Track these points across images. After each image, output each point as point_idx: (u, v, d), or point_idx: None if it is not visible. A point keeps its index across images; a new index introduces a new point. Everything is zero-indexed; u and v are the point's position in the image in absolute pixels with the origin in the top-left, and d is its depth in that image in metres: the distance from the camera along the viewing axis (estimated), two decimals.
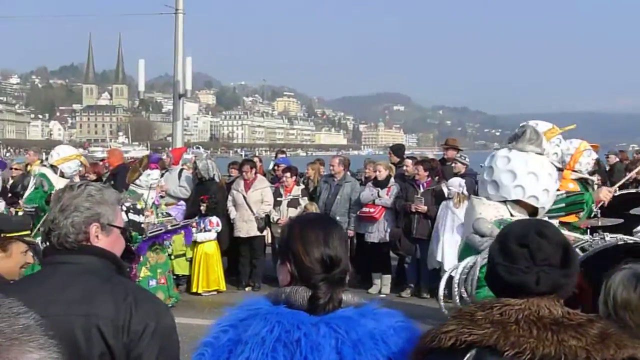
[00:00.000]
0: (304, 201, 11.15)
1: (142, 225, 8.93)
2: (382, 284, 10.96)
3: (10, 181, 12.31)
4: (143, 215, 8.91)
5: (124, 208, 8.18)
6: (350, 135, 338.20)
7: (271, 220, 11.28)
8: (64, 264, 2.56)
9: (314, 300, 2.21)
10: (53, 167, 9.15)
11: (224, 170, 13.10)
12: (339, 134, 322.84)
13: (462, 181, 10.21)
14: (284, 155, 15.19)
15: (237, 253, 11.46)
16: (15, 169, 13.11)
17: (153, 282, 9.56)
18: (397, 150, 12.67)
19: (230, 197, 11.28)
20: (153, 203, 9.77)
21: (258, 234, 11.18)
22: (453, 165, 10.88)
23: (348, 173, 11.65)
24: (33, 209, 8.91)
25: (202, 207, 10.72)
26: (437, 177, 10.73)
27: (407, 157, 12.00)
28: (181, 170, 11.88)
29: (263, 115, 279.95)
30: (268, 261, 11.97)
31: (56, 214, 2.59)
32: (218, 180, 11.50)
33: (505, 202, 4.12)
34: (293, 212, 10.96)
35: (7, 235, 3.33)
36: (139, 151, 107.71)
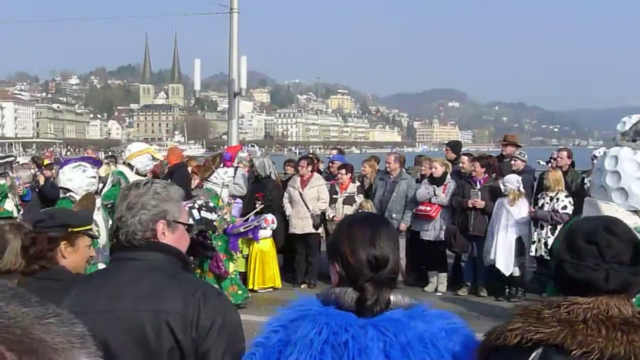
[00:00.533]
0: (359, 198, 11.10)
1: (214, 223, 8.97)
2: (438, 282, 10.85)
3: None
4: (215, 212, 8.92)
5: (197, 205, 8.23)
6: (404, 132, 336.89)
7: (327, 218, 11.26)
8: (131, 261, 2.59)
9: (361, 302, 2.17)
10: (130, 165, 9.24)
11: (280, 167, 13.15)
12: (393, 131, 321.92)
13: (519, 178, 10.04)
14: (335, 153, 15.13)
15: (292, 250, 11.48)
16: None
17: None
18: (454, 146, 12.53)
19: (286, 194, 11.32)
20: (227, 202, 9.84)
21: (313, 231, 11.18)
22: (512, 162, 10.70)
23: (404, 170, 11.54)
24: (110, 205, 9.11)
25: (257, 205, 10.77)
26: (494, 174, 10.57)
27: (463, 154, 11.84)
28: (237, 168, 11.96)
29: (317, 113, 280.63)
30: (323, 259, 11.95)
31: (123, 211, 2.62)
32: (274, 178, 11.54)
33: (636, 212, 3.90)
34: (349, 210, 10.94)
35: (74, 230, 3.38)
36: (194, 149, 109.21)
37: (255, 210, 10.55)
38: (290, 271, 11.61)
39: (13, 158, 11.66)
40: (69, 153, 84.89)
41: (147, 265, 2.57)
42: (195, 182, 11.15)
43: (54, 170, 12.32)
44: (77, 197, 6.35)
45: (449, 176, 10.76)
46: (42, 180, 12.01)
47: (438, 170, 10.72)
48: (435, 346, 2.10)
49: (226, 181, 9.70)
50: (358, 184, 11.55)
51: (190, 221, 8.03)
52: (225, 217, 9.53)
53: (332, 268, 2.32)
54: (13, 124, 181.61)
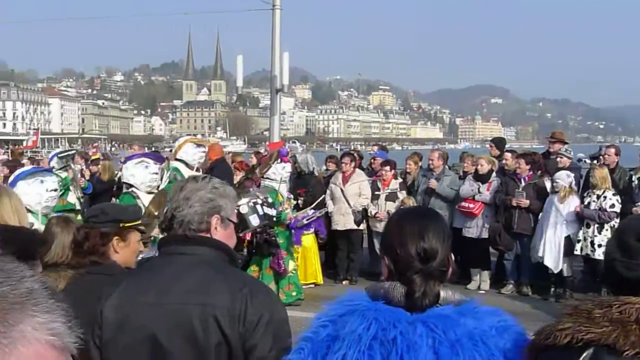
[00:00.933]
0: (402, 195, 11.05)
1: (274, 219, 8.95)
2: (481, 279, 10.75)
3: (118, 175, 12.76)
4: (274, 208, 8.87)
5: (259, 201, 8.22)
6: (446, 128, 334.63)
7: (369, 214, 11.23)
8: (180, 255, 2.61)
9: (409, 295, 2.16)
10: (181, 160, 9.19)
11: (321, 164, 13.15)
12: (434, 127, 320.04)
13: (571, 175, 9.87)
14: (376, 149, 15.07)
15: (334, 246, 11.47)
16: (122, 162, 13.57)
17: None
18: (499, 143, 12.40)
19: (328, 191, 11.30)
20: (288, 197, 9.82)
21: (355, 227, 11.16)
22: (558, 159, 10.52)
23: (447, 167, 11.45)
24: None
25: (299, 201, 10.78)
26: (539, 172, 10.41)
27: (507, 151, 11.71)
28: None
29: (358, 110, 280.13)
30: (365, 255, 11.96)
31: (180, 201, 2.65)
32: (316, 174, 11.55)
33: None
34: (391, 206, 10.91)
35: (126, 225, 3.43)
36: (236, 145, 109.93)
37: (315, 204, 10.55)
38: (332, 267, 11.61)
39: (74, 152, 11.88)
40: (113, 149, 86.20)
41: (195, 260, 2.59)
42: (237, 177, 11.21)
43: (99, 166, 12.50)
44: (140, 193, 6.41)
45: (494, 173, 10.64)
46: (87, 176, 12.19)
47: (484, 167, 10.61)
48: (486, 344, 2.07)
49: (284, 177, 9.66)
50: (400, 180, 11.49)
51: (255, 217, 7.99)
52: (286, 212, 9.49)
53: (382, 262, 2.32)
54: (59, 120, 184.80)
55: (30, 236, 2.83)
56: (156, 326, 2.48)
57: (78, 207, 9.68)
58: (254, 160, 12.71)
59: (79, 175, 11.21)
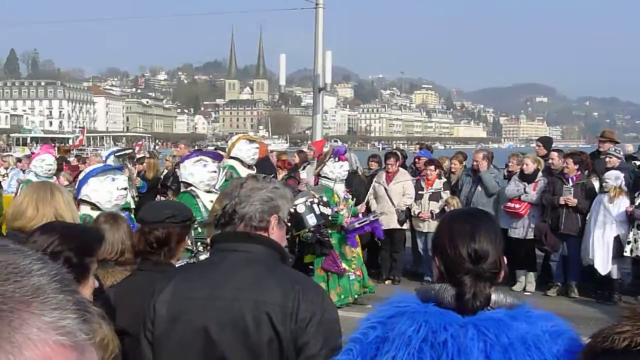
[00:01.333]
0: (445, 195, 10.95)
1: (330, 219, 8.81)
2: (527, 281, 10.60)
3: (164, 172, 12.90)
4: (330, 207, 8.74)
5: (315, 201, 8.15)
6: (489, 127, 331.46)
7: (412, 214, 11.15)
8: (234, 252, 2.64)
9: (459, 297, 2.13)
10: (236, 158, 9.15)
11: (364, 163, 13.10)
12: (478, 126, 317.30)
13: (621, 175, 9.66)
14: (418, 148, 14.97)
15: (377, 246, 11.42)
16: (167, 160, 13.73)
17: (352, 276, 9.55)
18: (546, 142, 12.20)
19: (371, 190, 11.26)
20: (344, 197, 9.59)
21: (398, 227, 11.10)
22: (607, 159, 10.31)
23: (492, 167, 11.30)
24: None
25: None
26: (587, 171, 10.21)
27: (553, 150, 11.52)
28: None
29: (401, 108, 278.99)
30: (408, 254, 11.89)
31: (242, 197, 2.67)
32: (360, 173, 11.50)
33: None
34: (434, 206, 10.83)
35: (189, 223, 3.51)
36: (278, 144, 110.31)
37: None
38: (375, 267, 11.56)
39: (131, 151, 11.91)
40: (157, 147, 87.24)
41: (248, 257, 2.61)
42: (280, 176, 11.22)
43: (145, 164, 12.64)
44: (199, 192, 6.44)
45: (540, 173, 10.48)
46: (135, 173, 12.34)
47: (529, 167, 10.45)
48: (539, 349, 2.03)
49: (342, 176, 9.49)
50: (444, 180, 11.38)
51: (312, 216, 7.91)
52: (342, 213, 9.26)
53: (433, 263, 2.30)
54: (104, 118, 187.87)
55: (88, 233, 2.87)
56: (208, 321, 2.51)
57: (133, 205, 9.79)
58: (296, 159, 12.73)
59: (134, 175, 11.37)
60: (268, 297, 2.48)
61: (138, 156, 15.16)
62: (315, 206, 8.04)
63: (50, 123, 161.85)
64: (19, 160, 15.06)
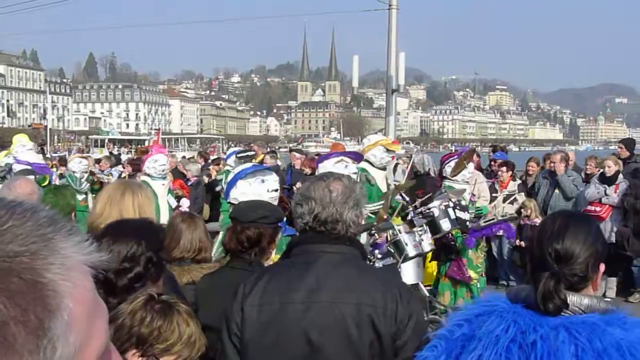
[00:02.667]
0: (520, 197, 10.73)
1: (468, 224, 8.27)
2: (607, 286, 10.29)
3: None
4: (468, 212, 8.34)
5: (451, 205, 7.87)
6: (566, 129, 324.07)
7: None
8: (322, 253, 2.62)
9: (538, 296, 2.08)
10: (367, 161, 9.02)
11: (437, 165, 12.96)
12: (554, 128, 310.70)
13: None
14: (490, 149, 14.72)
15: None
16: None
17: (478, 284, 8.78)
18: (630, 144, 11.85)
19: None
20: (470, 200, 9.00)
21: None
22: None
23: (569, 169, 11.01)
24: None
25: (417, 202, 10.63)
26: None
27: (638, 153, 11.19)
28: (397, 164, 11.91)
29: (474, 110, 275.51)
30: None
31: (340, 199, 2.65)
32: (433, 175, 11.38)
33: None
34: (509, 208, 10.63)
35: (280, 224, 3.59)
36: (350, 146, 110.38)
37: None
38: None
39: (254, 153, 11.87)
40: (231, 149, 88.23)
41: (340, 258, 2.61)
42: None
43: (221, 165, 12.81)
44: None
45: (621, 175, 10.17)
46: (214, 174, 12.52)
47: (611, 169, 10.16)
48: (634, 356, 1.97)
49: (467, 178, 8.84)
50: (519, 182, 11.16)
51: (447, 221, 7.49)
52: (465, 216, 8.52)
53: (526, 261, 2.29)
54: (179, 120, 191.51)
55: (158, 231, 2.91)
56: (308, 326, 2.50)
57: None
58: None
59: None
60: (369, 299, 2.49)
61: (212, 157, 15.40)
62: (450, 210, 7.68)
63: (127, 125, 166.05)
64: (97, 161, 15.47)
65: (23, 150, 10.78)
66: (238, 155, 10.51)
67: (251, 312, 2.55)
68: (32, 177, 8.36)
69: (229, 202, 5.18)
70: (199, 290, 3.43)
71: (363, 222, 2.81)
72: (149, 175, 9.30)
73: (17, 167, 8.54)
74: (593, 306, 2.10)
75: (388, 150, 8.73)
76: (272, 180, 5.34)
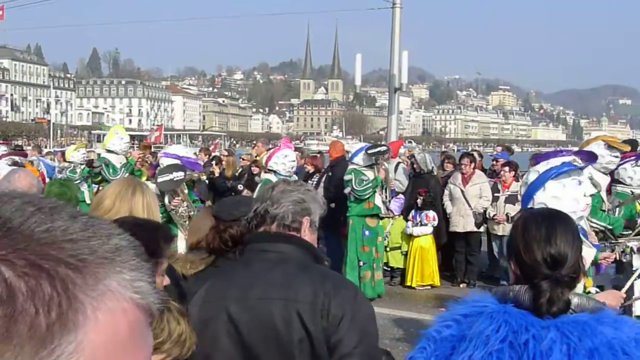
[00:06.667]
0: None
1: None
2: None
3: (239, 170, 13.02)
4: None
5: None
6: (569, 130, 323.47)
7: (487, 216, 10.96)
8: (264, 252, 2.63)
9: (535, 301, 2.08)
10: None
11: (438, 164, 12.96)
12: (557, 129, 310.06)
13: None
14: (499, 150, 14.70)
15: (452, 248, 11.28)
16: (243, 159, 13.89)
17: None
18: (633, 145, 11.78)
19: (446, 191, 11.14)
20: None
21: (474, 229, 10.93)
22: None
23: None
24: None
25: (418, 201, 10.65)
26: None
27: None
28: (398, 163, 11.89)
29: (477, 110, 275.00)
30: (484, 258, 11.70)
31: (277, 195, 2.68)
32: (435, 174, 11.39)
33: None
34: (510, 209, 10.62)
35: None
36: (351, 144, 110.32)
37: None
38: (449, 269, 11.43)
39: (386, 149, 11.31)
40: (238, 146, 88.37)
41: (279, 257, 2.60)
42: None
43: (224, 162, 12.80)
44: None
45: None
46: (217, 172, 12.50)
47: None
48: (627, 355, 1.97)
49: None
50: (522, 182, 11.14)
51: None
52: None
53: (509, 266, 2.27)
54: (182, 116, 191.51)
55: (158, 231, 2.87)
56: (238, 322, 2.50)
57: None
58: None
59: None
60: (298, 295, 2.45)
61: (213, 154, 15.38)
62: None
63: (130, 121, 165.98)
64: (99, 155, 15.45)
65: (120, 142, 10.52)
66: (369, 152, 9.88)
67: (193, 311, 2.57)
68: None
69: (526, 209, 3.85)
70: (187, 288, 3.41)
71: (314, 225, 2.74)
72: (274, 171, 8.55)
73: (165, 161, 8.03)
74: (583, 305, 2.10)
75: (611, 147, 6.98)
76: (589, 184, 4.27)
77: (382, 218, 10.26)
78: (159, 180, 7.58)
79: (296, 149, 14.90)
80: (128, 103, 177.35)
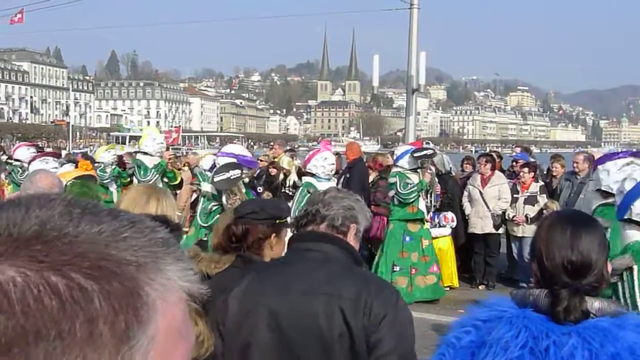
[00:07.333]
0: (542, 199, 10.59)
1: None
2: None
3: (257, 171, 13.02)
4: None
5: None
6: (588, 131, 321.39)
7: (506, 217, 10.86)
8: (308, 251, 2.68)
9: (552, 308, 2.04)
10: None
11: (457, 166, 12.88)
12: (576, 129, 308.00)
13: None
14: (518, 151, 14.59)
15: (471, 250, 11.19)
16: (261, 160, 13.89)
17: None
18: None
19: (465, 192, 11.06)
20: None
21: (493, 231, 10.84)
22: None
23: (593, 170, 10.83)
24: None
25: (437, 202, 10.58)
26: None
27: None
28: None
29: (495, 111, 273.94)
30: (503, 260, 11.60)
31: (329, 199, 2.78)
32: (453, 174, 11.31)
33: None
34: (530, 210, 10.54)
35: (280, 221, 3.50)
36: (369, 146, 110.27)
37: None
38: (467, 271, 11.34)
39: (433, 152, 10.78)
40: (256, 147, 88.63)
41: (323, 256, 2.65)
42: (371, 176, 11.16)
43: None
44: None
45: None
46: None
47: None
48: None
49: None
50: (541, 183, 11.02)
51: None
52: None
53: (530, 267, 2.22)
54: (199, 118, 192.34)
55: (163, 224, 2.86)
56: (279, 315, 2.54)
57: None
58: (389, 161, 12.61)
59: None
60: (342, 291, 2.49)
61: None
62: None
63: (148, 122, 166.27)
64: (120, 157, 15.47)
65: (154, 143, 10.21)
66: (415, 155, 9.74)
67: (232, 304, 2.63)
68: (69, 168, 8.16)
69: (626, 220, 3.89)
70: (209, 287, 3.38)
71: (359, 234, 2.82)
72: (312, 175, 8.39)
73: (221, 160, 8.02)
74: (604, 309, 2.04)
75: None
76: None
77: (424, 222, 10.05)
78: (216, 179, 7.58)
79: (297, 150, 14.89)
80: (146, 105, 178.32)
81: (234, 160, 7.83)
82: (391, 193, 9.70)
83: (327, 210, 2.73)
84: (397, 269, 9.66)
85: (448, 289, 10.68)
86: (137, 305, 0.63)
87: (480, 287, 10.91)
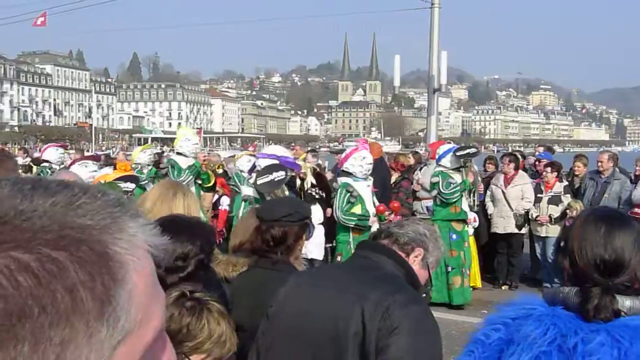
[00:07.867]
0: (566, 198, 10.50)
1: None
2: None
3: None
4: None
5: None
6: (612, 130, 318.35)
7: (530, 217, 10.78)
8: (364, 258, 2.75)
9: (582, 306, 2.02)
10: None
11: (479, 165, 12.82)
12: (600, 128, 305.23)
13: None
14: (542, 150, 14.49)
15: (493, 250, 11.12)
16: None
17: None
18: None
19: (488, 192, 10.99)
20: None
21: (516, 231, 10.76)
22: None
23: (617, 169, 10.71)
24: None
25: None
26: None
27: None
28: (425, 165, 11.79)
29: (517, 110, 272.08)
30: (526, 260, 11.52)
31: (407, 222, 2.93)
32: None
33: None
34: (553, 210, 10.45)
35: (307, 221, 3.54)
36: (391, 146, 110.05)
37: None
38: (490, 271, 11.27)
39: (476, 150, 10.71)
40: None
41: (373, 265, 2.69)
42: (393, 177, 11.12)
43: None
44: None
45: None
46: None
47: None
48: None
49: None
50: (565, 183, 10.93)
51: None
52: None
53: (563, 264, 2.18)
54: (221, 119, 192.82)
55: (210, 233, 2.95)
56: (307, 310, 2.61)
57: None
58: (411, 161, 12.59)
59: None
60: (370, 294, 2.50)
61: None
62: None
63: (170, 124, 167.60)
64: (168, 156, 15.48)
65: (188, 144, 9.89)
66: (457, 154, 9.63)
67: (283, 290, 2.74)
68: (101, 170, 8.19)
69: None
70: (233, 289, 3.40)
71: (427, 264, 2.88)
72: (349, 174, 8.14)
73: (262, 162, 7.78)
74: (635, 308, 2.01)
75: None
76: None
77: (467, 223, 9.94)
78: (259, 182, 7.26)
79: (335, 153, 14.84)
80: (168, 107, 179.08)
81: (276, 161, 7.57)
82: (434, 193, 9.60)
83: (398, 229, 2.81)
84: (449, 268, 9.50)
85: (471, 288, 10.63)
86: (110, 265, 0.63)
87: (503, 287, 10.85)
